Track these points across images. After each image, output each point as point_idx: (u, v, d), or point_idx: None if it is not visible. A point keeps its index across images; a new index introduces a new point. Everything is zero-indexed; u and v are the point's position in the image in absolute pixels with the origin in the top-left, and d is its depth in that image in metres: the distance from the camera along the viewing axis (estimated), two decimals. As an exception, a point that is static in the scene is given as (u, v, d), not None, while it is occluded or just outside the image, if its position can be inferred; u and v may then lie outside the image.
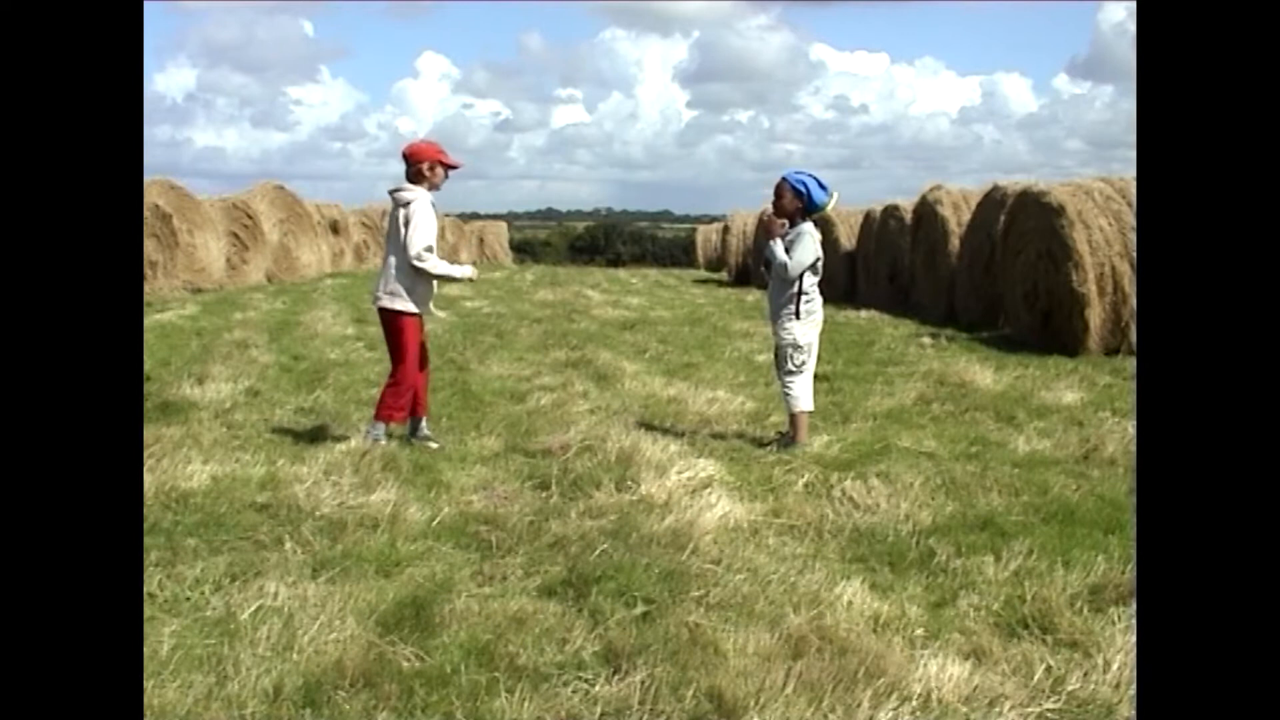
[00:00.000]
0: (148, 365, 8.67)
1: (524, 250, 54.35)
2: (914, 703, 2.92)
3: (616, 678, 3.05)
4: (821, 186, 6.02)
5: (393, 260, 5.97)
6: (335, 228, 26.68)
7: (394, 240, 5.98)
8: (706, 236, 37.95)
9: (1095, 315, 10.34)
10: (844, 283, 19.15)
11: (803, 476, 5.34)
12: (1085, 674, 3.12)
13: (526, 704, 2.91)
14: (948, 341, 11.57)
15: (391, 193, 6.01)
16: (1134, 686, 2.88)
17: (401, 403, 6.00)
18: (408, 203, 5.92)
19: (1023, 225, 11.76)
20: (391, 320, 5.98)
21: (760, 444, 6.20)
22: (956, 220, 14.90)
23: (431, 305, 6.10)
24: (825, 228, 20.13)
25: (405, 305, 5.93)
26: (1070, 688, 3.04)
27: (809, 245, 5.98)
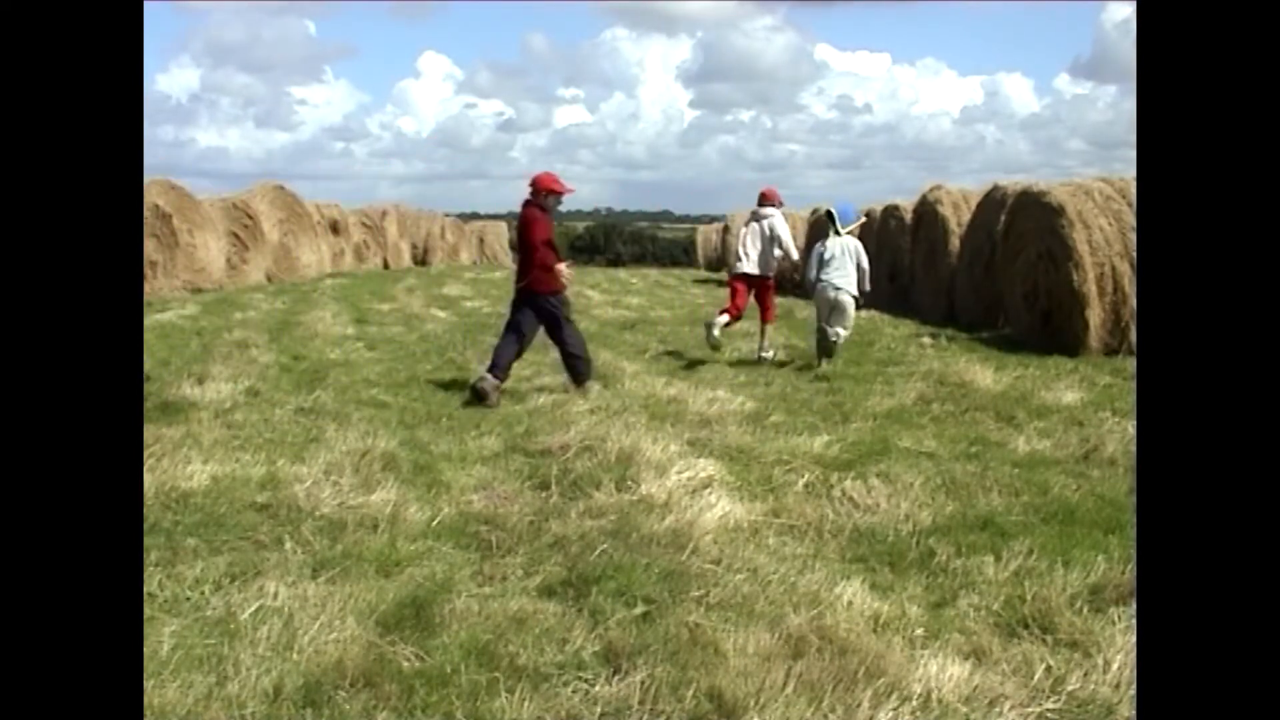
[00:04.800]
0: (148, 365, 8.66)
1: (524, 250, 54.33)
2: (914, 703, 2.93)
3: (616, 678, 3.06)
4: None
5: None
6: (335, 228, 26.67)
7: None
8: (706, 237, 37.95)
9: (1095, 315, 10.33)
10: (844, 282, 19.14)
11: (803, 476, 5.35)
12: (1085, 674, 3.12)
13: (526, 704, 2.91)
14: (948, 341, 11.57)
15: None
16: (1134, 686, 2.88)
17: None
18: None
19: (1023, 225, 11.75)
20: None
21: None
22: (956, 220, 14.90)
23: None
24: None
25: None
26: (1070, 688, 3.04)
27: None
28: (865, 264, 9.46)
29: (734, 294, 10.21)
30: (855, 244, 9.47)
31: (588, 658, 3.23)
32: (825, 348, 9.31)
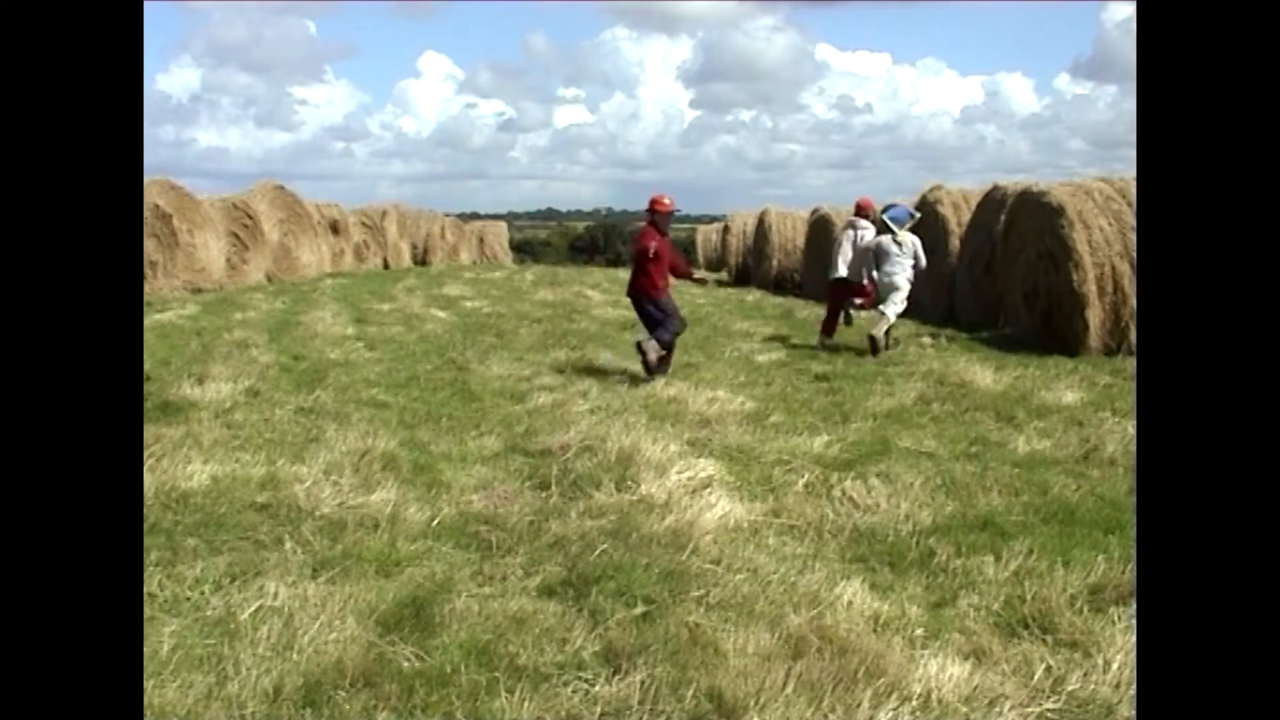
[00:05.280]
0: (148, 365, 8.67)
1: (524, 250, 54.36)
2: (914, 703, 2.93)
3: (616, 678, 3.06)
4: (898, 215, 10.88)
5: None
6: (335, 228, 26.67)
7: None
8: (706, 236, 37.93)
9: (1095, 315, 10.34)
10: (844, 283, 19.15)
11: (803, 476, 5.35)
12: (1085, 674, 3.12)
13: (526, 704, 2.91)
14: (948, 341, 11.57)
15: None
16: (1134, 686, 2.88)
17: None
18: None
19: (1023, 225, 11.76)
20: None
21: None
22: (956, 220, 14.91)
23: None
24: (826, 227, 20.30)
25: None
26: (1070, 688, 3.05)
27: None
28: (921, 255, 10.82)
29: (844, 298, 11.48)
30: (911, 240, 10.78)
31: (588, 658, 3.23)
32: (876, 336, 10.67)
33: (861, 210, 11.56)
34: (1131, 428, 6.42)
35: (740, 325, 13.69)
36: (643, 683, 3.00)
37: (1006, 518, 4.69)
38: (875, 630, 3.45)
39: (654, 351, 8.75)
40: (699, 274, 9.35)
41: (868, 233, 11.22)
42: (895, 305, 10.56)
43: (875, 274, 10.82)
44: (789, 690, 2.95)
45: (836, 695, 2.93)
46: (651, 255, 8.98)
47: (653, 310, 9.05)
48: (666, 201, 9.20)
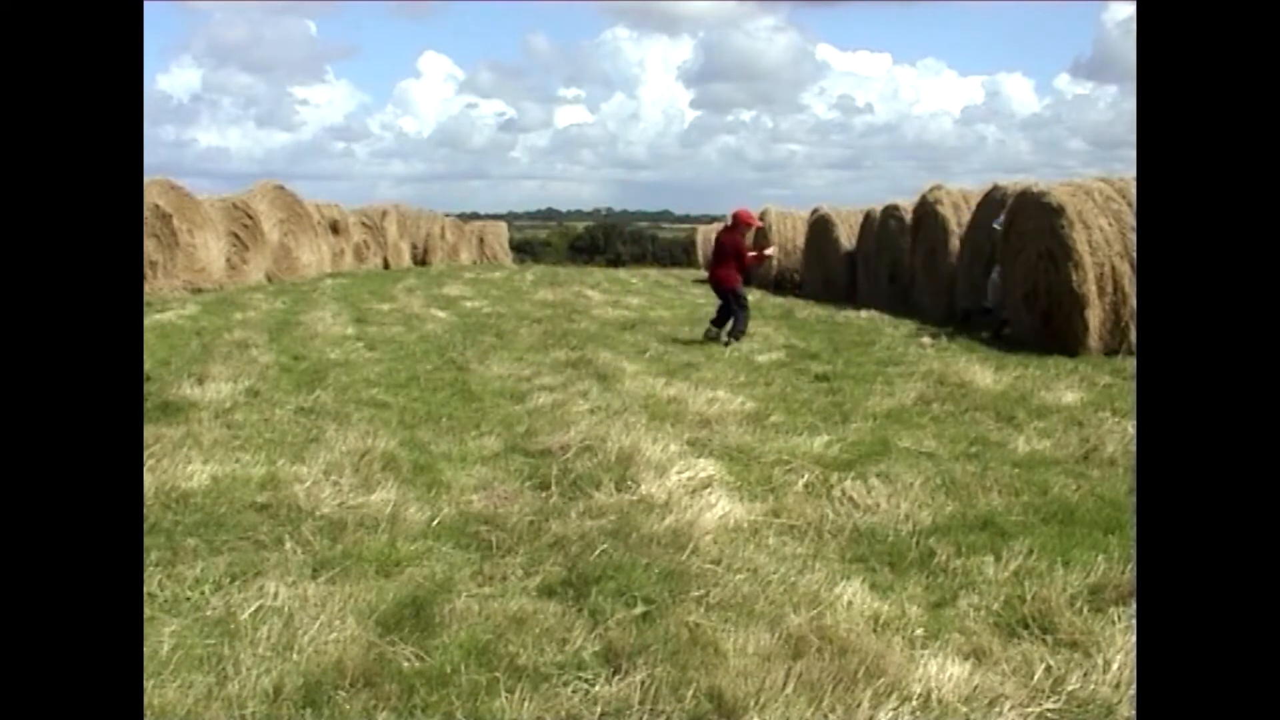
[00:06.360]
0: (148, 365, 8.67)
1: (524, 250, 54.33)
2: (914, 703, 2.93)
3: (616, 678, 3.06)
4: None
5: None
6: (335, 228, 26.65)
7: None
8: (706, 236, 37.90)
9: (1095, 315, 10.34)
10: (844, 283, 19.17)
11: (803, 476, 5.34)
12: (1085, 674, 3.12)
13: (526, 704, 2.91)
14: (948, 341, 11.58)
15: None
16: (1134, 686, 2.88)
17: None
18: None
19: (1023, 225, 11.76)
20: None
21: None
22: (956, 220, 14.90)
23: None
24: (825, 228, 20.33)
25: None
26: (1070, 688, 3.05)
27: None
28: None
29: None
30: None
31: (588, 658, 3.23)
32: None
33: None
34: (1131, 428, 6.42)
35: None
36: (643, 683, 3.00)
37: (1006, 518, 4.69)
38: (875, 630, 3.45)
39: (739, 335, 11.22)
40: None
41: None
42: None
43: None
44: (789, 690, 2.95)
45: (836, 695, 2.93)
46: (739, 253, 11.44)
47: (737, 297, 11.36)
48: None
